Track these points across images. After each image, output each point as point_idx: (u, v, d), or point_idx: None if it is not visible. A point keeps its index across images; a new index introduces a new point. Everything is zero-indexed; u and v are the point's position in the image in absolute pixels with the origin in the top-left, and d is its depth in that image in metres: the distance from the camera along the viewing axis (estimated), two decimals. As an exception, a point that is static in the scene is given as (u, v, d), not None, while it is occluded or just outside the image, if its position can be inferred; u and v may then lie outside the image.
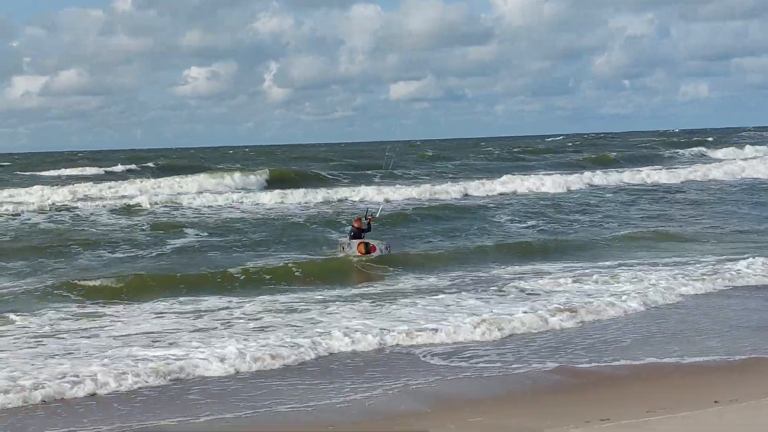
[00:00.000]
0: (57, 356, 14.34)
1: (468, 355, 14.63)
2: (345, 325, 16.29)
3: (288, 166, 64.71)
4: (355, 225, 25.62)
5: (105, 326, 16.99)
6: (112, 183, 49.27)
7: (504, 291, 20.10)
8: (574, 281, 21.00)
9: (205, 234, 31.42)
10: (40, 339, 15.78)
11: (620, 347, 15.05)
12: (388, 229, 31.74)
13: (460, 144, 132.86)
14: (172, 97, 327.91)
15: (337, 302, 19.06)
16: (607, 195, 45.37)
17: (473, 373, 13.55)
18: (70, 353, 14.58)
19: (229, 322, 17.07)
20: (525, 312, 17.24)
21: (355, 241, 24.93)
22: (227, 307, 18.69)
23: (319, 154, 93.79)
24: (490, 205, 40.44)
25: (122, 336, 15.97)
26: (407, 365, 14.03)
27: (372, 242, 24.99)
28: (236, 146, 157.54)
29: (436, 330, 15.89)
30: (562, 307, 17.65)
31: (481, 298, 19.16)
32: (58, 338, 15.88)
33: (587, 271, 22.82)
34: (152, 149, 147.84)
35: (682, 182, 51.41)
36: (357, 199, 42.81)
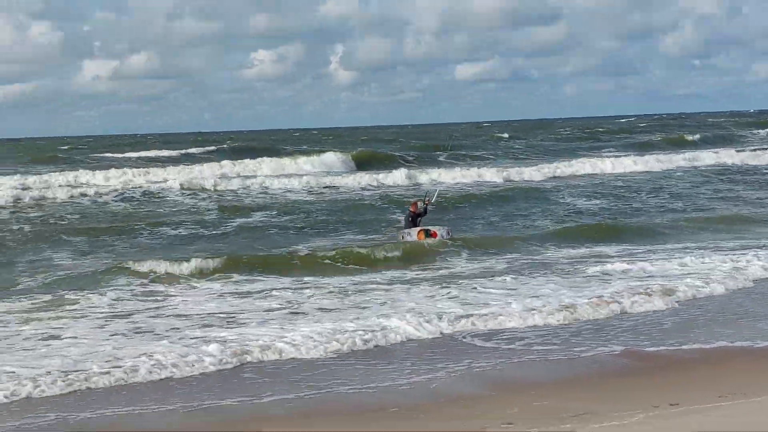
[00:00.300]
0: (124, 336, 14.48)
1: (532, 338, 14.34)
2: (407, 307, 16.16)
3: (357, 148, 64.40)
4: (411, 209, 24.92)
5: (168, 306, 17.11)
6: (187, 164, 49.81)
7: (572, 273, 19.78)
8: (643, 263, 20.58)
9: (275, 215, 31.57)
10: (108, 318, 15.95)
11: (690, 330, 14.65)
12: (453, 211, 31.55)
13: (528, 124, 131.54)
14: (239, 80, 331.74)
15: (397, 284, 18.98)
16: (678, 174, 44.57)
17: (538, 356, 13.28)
18: (138, 332, 14.73)
19: (291, 304, 17.04)
20: (592, 295, 16.91)
21: (415, 229, 24.26)
22: (290, 288, 18.68)
23: (386, 136, 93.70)
24: (560, 186, 39.92)
25: (186, 316, 16.06)
26: (470, 348, 13.82)
27: (432, 228, 24.35)
28: (302, 128, 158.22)
29: (499, 314, 15.63)
30: (633, 290, 17.25)
31: (550, 281, 18.87)
32: (124, 317, 16.04)
33: (658, 253, 22.36)
34: (220, 132, 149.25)
35: (757, 164, 50.03)
36: (426, 180, 42.42)
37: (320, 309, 16.44)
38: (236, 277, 20.20)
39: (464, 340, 14.32)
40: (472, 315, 15.48)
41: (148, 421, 10.63)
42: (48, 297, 17.80)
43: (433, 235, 24.09)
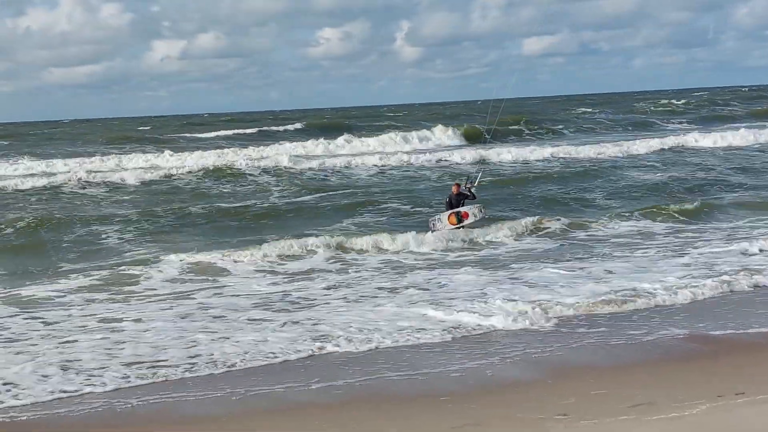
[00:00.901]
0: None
1: (594, 323, 13.77)
2: (465, 292, 15.80)
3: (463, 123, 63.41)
4: (454, 190, 23.68)
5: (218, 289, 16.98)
6: (271, 144, 49.80)
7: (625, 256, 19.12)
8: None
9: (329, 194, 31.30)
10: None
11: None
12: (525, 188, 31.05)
13: (601, 98, 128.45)
14: (306, 58, 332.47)
15: (445, 267, 18.72)
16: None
17: (598, 340, 12.72)
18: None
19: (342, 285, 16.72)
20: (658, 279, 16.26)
21: (445, 214, 23.23)
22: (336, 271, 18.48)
23: (454, 111, 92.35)
24: (643, 162, 38.46)
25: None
26: (526, 333, 13.32)
27: (463, 209, 23.22)
28: (369, 106, 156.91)
29: (553, 299, 15.13)
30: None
31: (605, 266, 18.23)
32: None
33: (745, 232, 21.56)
34: (288, 110, 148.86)
35: None
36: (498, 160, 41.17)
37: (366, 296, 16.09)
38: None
39: (521, 325, 13.74)
40: (530, 300, 15.01)
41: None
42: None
43: (464, 216, 23.00)
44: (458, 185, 23.78)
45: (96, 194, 32.75)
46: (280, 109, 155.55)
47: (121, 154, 46.76)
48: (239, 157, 42.42)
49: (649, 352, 12.09)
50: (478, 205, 23.56)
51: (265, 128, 68.02)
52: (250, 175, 36.80)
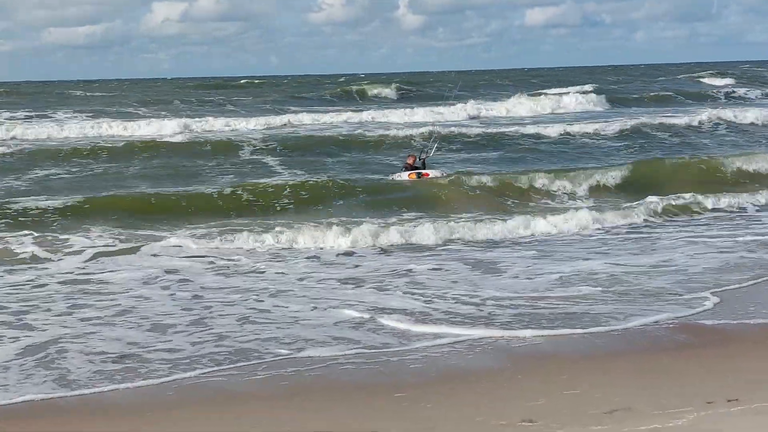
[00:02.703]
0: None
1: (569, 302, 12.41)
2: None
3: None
4: (409, 162, 23.87)
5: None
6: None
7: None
8: None
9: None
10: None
11: None
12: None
13: (599, 71, 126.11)
14: (307, 23, 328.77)
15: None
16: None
17: (578, 324, 11.34)
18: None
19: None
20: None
21: (406, 172, 23.40)
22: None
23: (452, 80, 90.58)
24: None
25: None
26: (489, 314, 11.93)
27: (424, 171, 23.42)
28: (370, 73, 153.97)
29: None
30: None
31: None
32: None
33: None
34: (287, 75, 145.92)
35: None
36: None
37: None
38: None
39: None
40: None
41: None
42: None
43: (425, 176, 23.13)
44: (413, 157, 23.82)
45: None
46: (282, 74, 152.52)
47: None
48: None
49: (632, 344, 10.72)
50: (440, 170, 23.82)
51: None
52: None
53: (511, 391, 9.05)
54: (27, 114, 47.11)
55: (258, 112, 48.56)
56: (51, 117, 45.96)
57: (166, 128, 38.86)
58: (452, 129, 36.15)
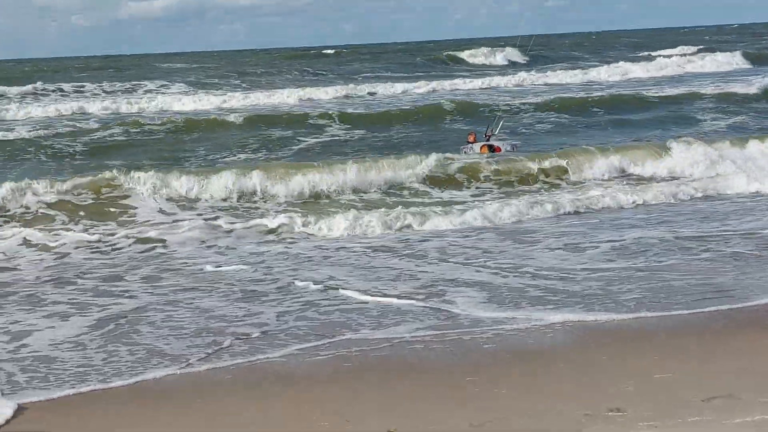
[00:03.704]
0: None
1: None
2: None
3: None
4: (470, 139, 22.67)
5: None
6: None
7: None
8: None
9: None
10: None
11: None
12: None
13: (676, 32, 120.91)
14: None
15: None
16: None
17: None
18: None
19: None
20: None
21: (478, 144, 22.22)
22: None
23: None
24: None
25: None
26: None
27: (496, 144, 22.28)
28: (445, 40, 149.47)
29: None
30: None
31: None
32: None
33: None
34: (362, 44, 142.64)
35: None
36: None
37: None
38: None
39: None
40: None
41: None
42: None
43: (496, 150, 22.01)
44: (474, 134, 22.70)
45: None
46: (362, 43, 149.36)
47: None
48: None
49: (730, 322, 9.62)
50: (512, 142, 22.91)
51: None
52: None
53: (595, 376, 8.07)
54: (160, 85, 47.13)
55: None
56: (207, 88, 45.83)
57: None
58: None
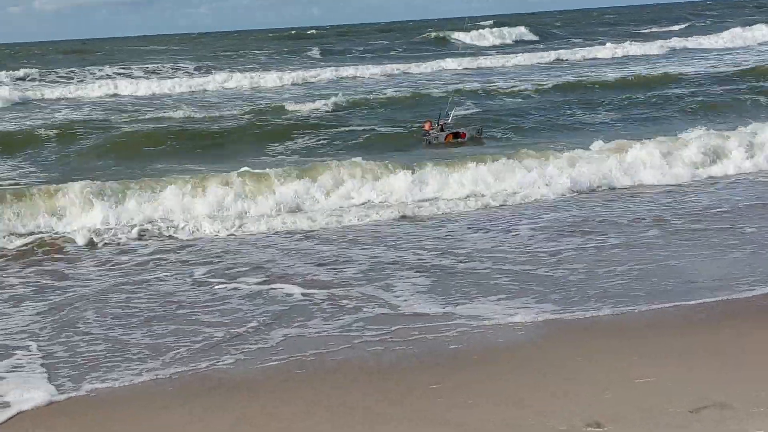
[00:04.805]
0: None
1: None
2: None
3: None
4: (425, 127, 21.82)
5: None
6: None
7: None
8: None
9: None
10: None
11: None
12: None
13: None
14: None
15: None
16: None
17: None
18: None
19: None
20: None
21: (443, 133, 21.52)
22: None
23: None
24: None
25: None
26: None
27: (461, 130, 21.85)
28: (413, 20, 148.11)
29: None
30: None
31: None
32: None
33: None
34: (341, 25, 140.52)
35: None
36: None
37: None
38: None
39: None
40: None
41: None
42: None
43: (461, 135, 21.62)
44: (429, 123, 21.83)
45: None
46: (330, 24, 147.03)
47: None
48: None
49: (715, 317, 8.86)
50: (476, 126, 22.59)
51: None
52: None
53: (571, 381, 7.26)
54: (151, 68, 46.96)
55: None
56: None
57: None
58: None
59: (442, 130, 21.54)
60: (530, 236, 12.35)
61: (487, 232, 12.79)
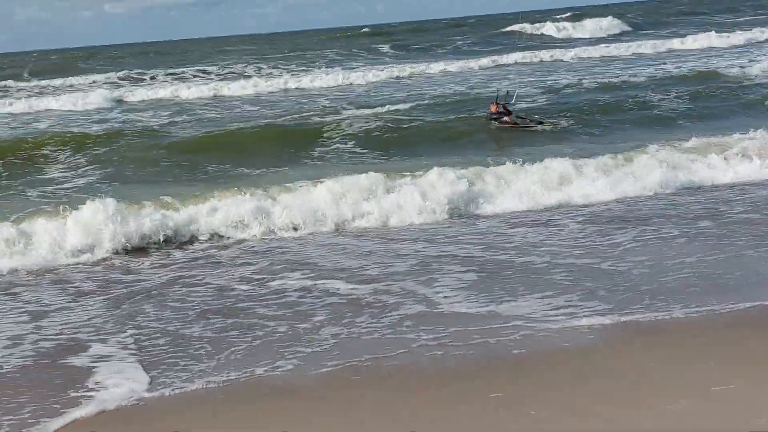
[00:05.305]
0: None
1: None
2: None
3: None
4: (492, 110, 21.34)
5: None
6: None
7: None
8: None
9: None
10: None
11: None
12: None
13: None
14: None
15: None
16: None
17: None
18: None
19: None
20: None
21: (507, 118, 21.19)
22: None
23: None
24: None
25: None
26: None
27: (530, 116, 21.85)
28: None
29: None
30: None
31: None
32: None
33: None
34: (401, 22, 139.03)
35: None
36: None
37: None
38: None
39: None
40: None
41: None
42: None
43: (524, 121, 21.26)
44: (495, 104, 21.41)
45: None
46: (396, 22, 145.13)
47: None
48: None
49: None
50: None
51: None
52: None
53: (641, 388, 6.73)
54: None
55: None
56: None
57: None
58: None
59: (506, 109, 21.21)
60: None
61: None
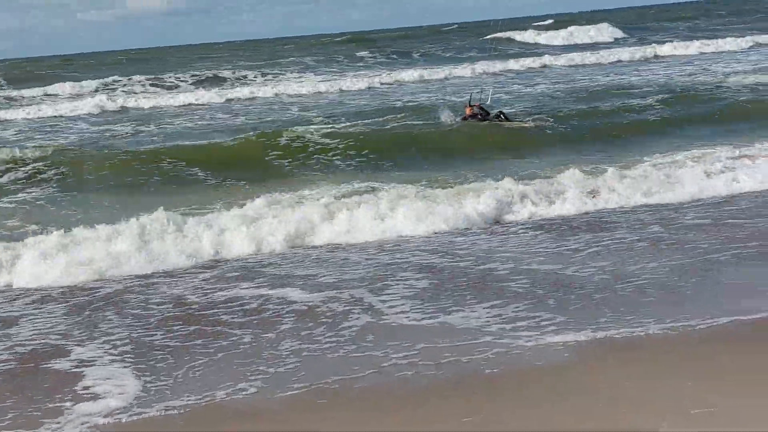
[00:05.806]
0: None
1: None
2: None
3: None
4: (468, 112, 21.18)
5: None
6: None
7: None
8: None
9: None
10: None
11: None
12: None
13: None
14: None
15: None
16: None
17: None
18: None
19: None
20: None
21: (494, 111, 21.35)
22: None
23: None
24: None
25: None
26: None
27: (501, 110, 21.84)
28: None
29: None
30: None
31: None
32: None
33: None
34: (401, 28, 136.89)
35: None
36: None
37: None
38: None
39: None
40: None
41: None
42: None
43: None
44: (470, 107, 21.13)
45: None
46: (411, 26, 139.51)
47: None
48: None
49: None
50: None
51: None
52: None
53: (618, 407, 6.44)
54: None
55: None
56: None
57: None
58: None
59: (482, 111, 21.04)
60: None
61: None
